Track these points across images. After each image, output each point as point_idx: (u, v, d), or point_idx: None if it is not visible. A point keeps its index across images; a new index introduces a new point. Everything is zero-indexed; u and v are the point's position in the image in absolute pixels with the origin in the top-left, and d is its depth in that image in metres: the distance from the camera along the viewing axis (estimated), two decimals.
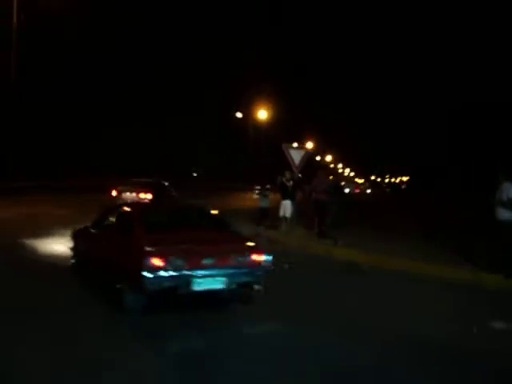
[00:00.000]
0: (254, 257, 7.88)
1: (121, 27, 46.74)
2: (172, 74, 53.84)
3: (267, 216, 19.70)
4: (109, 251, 8.46)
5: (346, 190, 76.05)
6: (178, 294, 7.34)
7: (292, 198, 17.73)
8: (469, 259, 12.77)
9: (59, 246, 12.27)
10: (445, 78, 59.50)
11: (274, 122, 56.08)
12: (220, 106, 55.92)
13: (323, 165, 73.94)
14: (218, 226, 8.96)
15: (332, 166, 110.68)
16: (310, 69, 79.50)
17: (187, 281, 7.27)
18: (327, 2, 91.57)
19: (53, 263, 10.96)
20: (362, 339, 7.19)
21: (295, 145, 17.83)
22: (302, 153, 17.02)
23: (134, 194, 22.34)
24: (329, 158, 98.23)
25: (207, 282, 7.43)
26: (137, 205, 10.21)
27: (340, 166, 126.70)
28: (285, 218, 17.67)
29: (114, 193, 23.18)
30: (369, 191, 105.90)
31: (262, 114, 53.48)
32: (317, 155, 79.23)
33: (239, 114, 56.98)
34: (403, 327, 7.78)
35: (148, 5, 52.58)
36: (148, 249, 7.30)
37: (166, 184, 24.96)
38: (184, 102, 54.50)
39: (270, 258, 8.02)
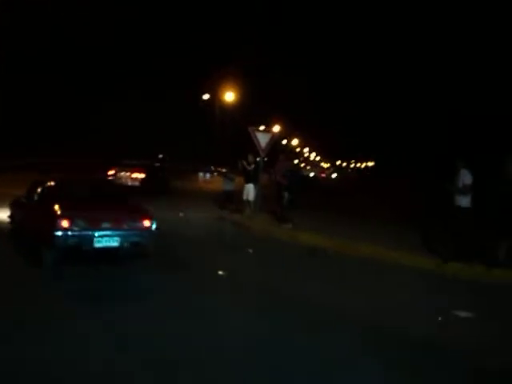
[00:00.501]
0: (143, 222, 9.68)
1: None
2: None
3: (232, 200, 19.59)
4: (32, 217, 10.21)
5: (311, 174, 76.72)
6: (82, 250, 9.13)
7: (255, 182, 17.67)
8: (430, 246, 12.89)
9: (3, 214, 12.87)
10: (411, 61, 59.84)
11: (240, 105, 55.76)
12: (187, 89, 55.55)
13: (283, 148, 74.03)
14: (119, 198, 10.65)
15: (298, 150, 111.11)
16: (279, 51, 78.88)
17: (89, 239, 9.07)
18: None
19: None
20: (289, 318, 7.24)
21: (262, 128, 17.76)
22: (268, 136, 17.00)
23: (128, 174, 25.32)
24: (295, 141, 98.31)
25: (105, 240, 9.21)
26: (57, 180, 11.22)
27: (306, 150, 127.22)
28: (248, 201, 17.64)
29: (111, 171, 25.71)
30: (334, 175, 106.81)
31: (229, 97, 53.10)
32: (283, 139, 79.27)
33: (206, 96, 56.45)
34: (364, 313, 7.71)
35: None
36: (58, 213, 9.02)
37: (157, 165, 28.94)
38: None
39: (154, 224, 9.77)
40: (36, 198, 10.49)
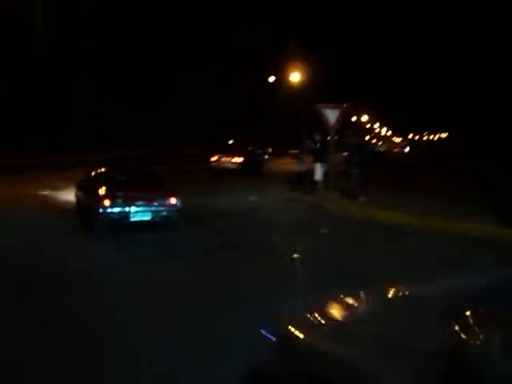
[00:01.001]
0: (170, 200, 11.76)
1: None
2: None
3: (304, 180, 19.17)
4: (86, 197, 12.57)
5: (382, 150, 74.93)
6: (123, 224, 11.30)
7: (322, 161, 17.23)
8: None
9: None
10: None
11: (307, 84, 54.99)
12: (253, 71, 55.47)
13: (351, 124, 72.54)
14: (153, 181, 12.57)
15: (368, 126, 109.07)
16: (346, 29, 77.16)
17: (126, 215, 11.34)
18: None
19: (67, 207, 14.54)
20: None
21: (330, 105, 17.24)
22: (337, 112, 16.48)
23: (229, 158, 28.52)
24: (365, 118, 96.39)
25: (139, 215, 11.49)
26: (106, 166, 13.64)
27: (377, 125, 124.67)
28: (317, 181, 17.28)
29: (214, 158, 29.19)
30: (407, 150, 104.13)
31: (295, 77, 52.42)
32: (352, 115, 77.82)
33: (272, 78, 55.97)
34: None
35: None
36: (102, 194, 11.39)
37: (257, 150, 32.05)
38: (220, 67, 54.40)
39: (179, 202, 11.81)
40: (90, 180, 12.81)
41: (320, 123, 16.74)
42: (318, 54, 57.08)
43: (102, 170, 13.18)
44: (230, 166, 28.28)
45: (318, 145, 17.41)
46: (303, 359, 2.67)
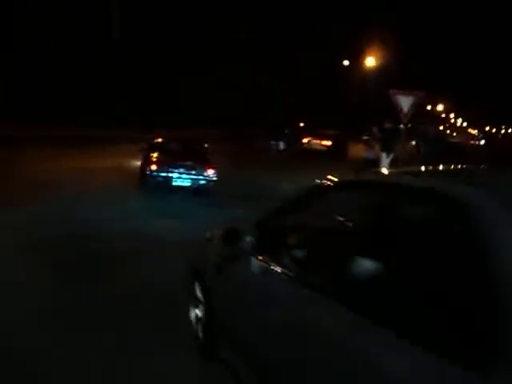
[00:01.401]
0: (208, 171, 13.92)
1: None
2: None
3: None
4: (142, 162, 15.04)
5: (455, 141, 72.33)
6: (167, 186, 13.61)
7: (389, 149, 16.47)
8: None
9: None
10: None
11: (381, 71, 53.60)
12: (326, 55, 54.61)
13: (425, 113, 70.17)
14: (199, 154, 14.58)
15: (443, 115, 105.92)
16: (424, 13, 74.87)
17: (170, 179, 13.72)
18: None
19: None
20: None
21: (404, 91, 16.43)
22: (411, 99, 15.70)
23: (318, 141, 31.77)
24: (440, 107, 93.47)
25: (180, 180, 13.80)
26: (158, 139, 15.83)
27: (452, 115, 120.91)
28: None
29: (305, 140, 32.93)
30: (482, 142, 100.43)
31: (370, 62, 51.13)
32: (427, 104, 75.60)
33: (346, 62, 54.89)
34: None
35: None
36: (151, 160, 13.98)
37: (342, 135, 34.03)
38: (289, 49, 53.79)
39: (215, 174, 13.90)
40: (148, 149, 14.99)
41: (391, 109, 16.05)
42: (395, 39, 55.54)
43: (159, 140, 15.72)
44: (319, 147, 31.38)
45: (386, 132, 16.62)
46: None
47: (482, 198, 2.29)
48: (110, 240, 8.44)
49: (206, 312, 4.45)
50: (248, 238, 3.75)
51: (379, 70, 52.74)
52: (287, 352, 3.00)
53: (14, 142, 23.18)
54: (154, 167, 13.68)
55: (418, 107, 17.10)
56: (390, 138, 16.47)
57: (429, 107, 78.87)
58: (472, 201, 2.28)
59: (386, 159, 16.25)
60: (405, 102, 15.49)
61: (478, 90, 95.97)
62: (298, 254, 3.41)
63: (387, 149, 16.36)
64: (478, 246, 2.09)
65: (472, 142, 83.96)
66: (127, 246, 8.12)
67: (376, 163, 17.98)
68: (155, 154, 14.09)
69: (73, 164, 17.99)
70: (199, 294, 4.66)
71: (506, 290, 1.87)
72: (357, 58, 53.01)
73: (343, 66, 54.96)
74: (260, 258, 3.62)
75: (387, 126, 16.55)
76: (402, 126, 16.17)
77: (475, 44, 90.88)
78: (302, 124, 59.63)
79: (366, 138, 23.21)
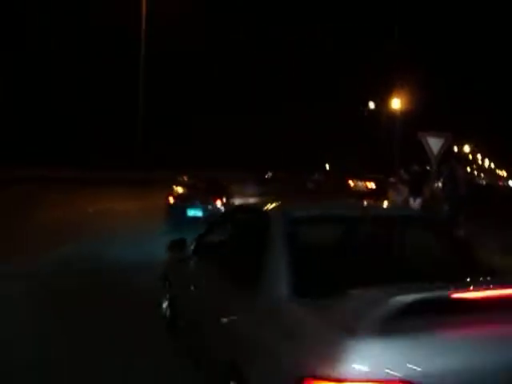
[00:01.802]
0: (216, 202, 15.74)
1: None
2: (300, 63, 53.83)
3: None
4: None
5: (483, 182, 71.38)
6: (184, 217, 15.32)
7: (417, 193, 16.06)
8: None
9: None
10: None
11: (407, 112, 53.50)
12: (351, 96, 54.74)
13: (452, 154, 69.48)
14: (214, 188, 16.58)
15: (470, 156, 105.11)
16: (449, 56, 74.85)
17: (184, 210, 15.58)
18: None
19: None
20: None
21: (434, 133, 16.15)
22: (441, 141, 15.44)
23: (364, 183, 37.02)
24: (467, 148, 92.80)
25: (194, 211, 15.56)
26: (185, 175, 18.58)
27: (479, 156, 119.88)
28: None
29: (352, 183, 37.76)
30: (511, 183, 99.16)
31: (396, 104, 51.13)
32: (453, 145, 75.00)
33: (372, 105, 54.95)
34: None
35: None
36: (169, 193, 16.51)
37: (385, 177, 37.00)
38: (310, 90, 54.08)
39: (223, 206, 15.49)
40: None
41: (420, 152, 15.78)
42: (422, 81, 55.50)
43: (182, 177, 18.25)
44: (365, 189, 36.00)
45: (414, 175, 16.31)
46: None
47: (277, 215, 4.32)
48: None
49: (169, 299, 6.51)
50: (190, 246, 5.98)
51: (405, 112, 52.71)
52: (198, 313, 5.06)
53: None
54: (171, 200, 16.25)
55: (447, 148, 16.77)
56: (417, 182, 16.16)
57: (455, 148, 78.19)
58: (271, 215, 4.37)
59: (413, 203, 15.89)
60: (434, 144, 15.25)
61: (506, 131, 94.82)
62: (211, 254, 5.41)
63: (415, 192, 16.02)
64: (267, 236, 4.02)
65: (500, 183, 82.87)
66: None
67: None
68: (173, 189, 17.01)
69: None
70: (167, 287, 6.67)
71: (272, 257, 3.81)
72: (383, 100, 53.09)
73: (369, 108, 55.03)
74: (195, 258, 5.82)
75: (415, 168, 16.25)
76: (430, 168, 15.86)
77: (499, 82, 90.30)
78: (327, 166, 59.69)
79: (392, 180, 22.95)
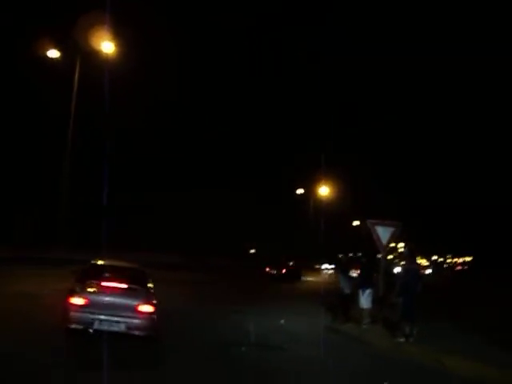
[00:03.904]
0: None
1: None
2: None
3: (348, 306, 15.79)
4: None
5: (394, 271, 71.47)
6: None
7: (368, 286, 14.55)
8: None
9: None
10: None
11: (336, 198, 53.59)
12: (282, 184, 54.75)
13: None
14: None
15: (393, 244, 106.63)
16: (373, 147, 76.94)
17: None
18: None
19: None
20: None
21: (382, 222, 14.82)
22: (390, 230, 14.16)
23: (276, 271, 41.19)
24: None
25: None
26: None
27: (401, 245, 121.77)
28: (362, 309, 14.60)
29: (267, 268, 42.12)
30: (429, 271, 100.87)
31: (324, 191, 51.00)
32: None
33: (300, 191, 54.68)
34: None
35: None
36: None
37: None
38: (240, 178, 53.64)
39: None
40: None
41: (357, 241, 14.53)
42: (344, 170, 56.03)
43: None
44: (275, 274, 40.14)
45: (364, 266, 14.87)
46: None
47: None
48: None
49: None
50: None
51: (335, 199, 52.78)
52: None
53: None
54: None
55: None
56: (368, 272, 14.67)
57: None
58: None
59: (367, 296, 14.33)
60: (384, 233, 13.95)
61: (425, 220, 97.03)
62: None
63: (367, 284, 14.47)
64: None
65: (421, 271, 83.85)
66: None
67: (351, 300, 15.90)
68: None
69: None
70: None
71: None
72: (310, 187, 53.00)
73: (297, 194, 54.76)
74: None
75: (364, 260, 14.79)
76: (379, 256, 14.48)
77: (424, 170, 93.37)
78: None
79: (328, 267, 21.18)
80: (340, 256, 16.74)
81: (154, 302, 9.90)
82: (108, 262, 11.68)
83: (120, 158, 39.62)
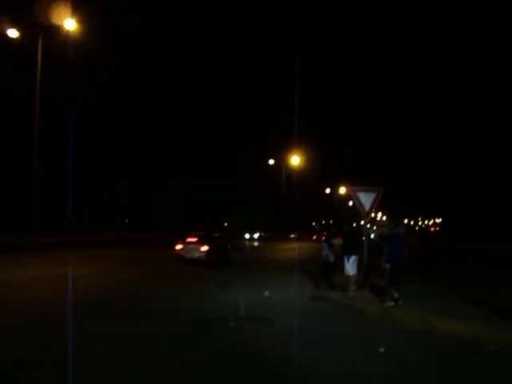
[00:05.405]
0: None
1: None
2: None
3: (332, 274, 15.86)
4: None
5: (372, 236, 72.23)
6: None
7: (355, 252, 14.49)
8: None
9: None
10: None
11: (307, 168, 53.51)
12: (253, 156, 54.38)
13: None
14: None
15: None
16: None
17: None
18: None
19: None
20: None
21: (364, 188, 14.69)
22: (372, 195, 14.05)
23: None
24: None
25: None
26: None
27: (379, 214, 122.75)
28: (348, 276, 14.53)
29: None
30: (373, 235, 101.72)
31: (295, 160, 50.82)
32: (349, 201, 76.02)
33: (271, 161, 54.41)
34: None
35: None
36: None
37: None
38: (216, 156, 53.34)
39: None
40: None
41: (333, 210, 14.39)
42: (318, 138, 55.92)
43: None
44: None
45: (346, 234, 14.73)
46: None
47: None
48: None
49: None
50: None
51: (307, 169, 52.72)
52: None
53: None
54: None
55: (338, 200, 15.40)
56: (353, 239, 14.56)
57: (351, 203, 79.22)
58: None
59: (353, 262, 14.24)
60: (366, 199, 13.81)
61: (397, 185, 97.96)
62: None
63: (351, 250, 14.38)
64: None
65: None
66: None
67: (335, 268, 15.83)
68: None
69: None
70: None
71: None
72: (282, 158, 52.74)
73: (269, 165, 54.51)
74: None
75: (346, 228, 14.66)
76: (362, 224, 14.37)
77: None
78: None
79: (323, 233, 20.90)
80: (314, 224, 16.97)
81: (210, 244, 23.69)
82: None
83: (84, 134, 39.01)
